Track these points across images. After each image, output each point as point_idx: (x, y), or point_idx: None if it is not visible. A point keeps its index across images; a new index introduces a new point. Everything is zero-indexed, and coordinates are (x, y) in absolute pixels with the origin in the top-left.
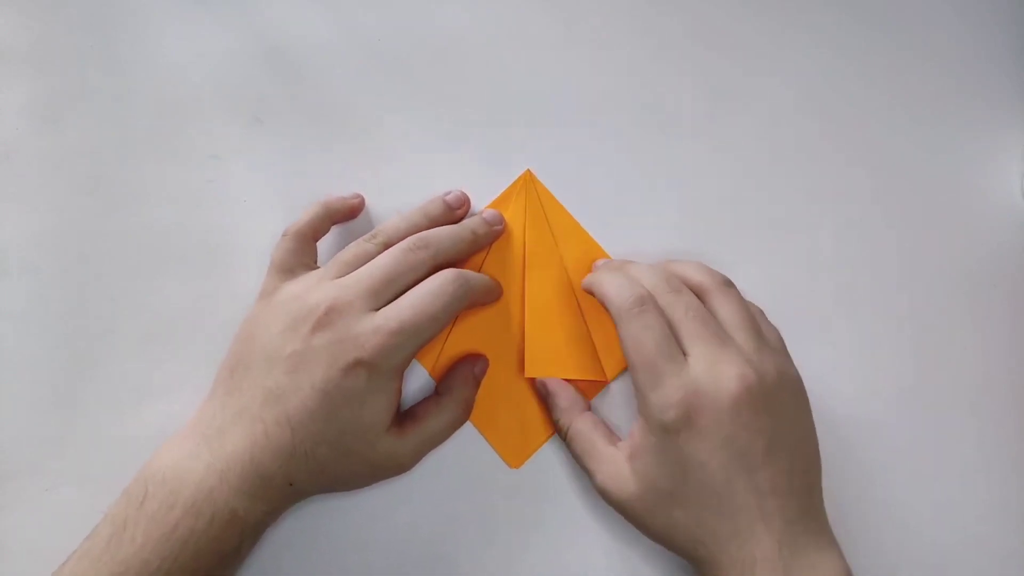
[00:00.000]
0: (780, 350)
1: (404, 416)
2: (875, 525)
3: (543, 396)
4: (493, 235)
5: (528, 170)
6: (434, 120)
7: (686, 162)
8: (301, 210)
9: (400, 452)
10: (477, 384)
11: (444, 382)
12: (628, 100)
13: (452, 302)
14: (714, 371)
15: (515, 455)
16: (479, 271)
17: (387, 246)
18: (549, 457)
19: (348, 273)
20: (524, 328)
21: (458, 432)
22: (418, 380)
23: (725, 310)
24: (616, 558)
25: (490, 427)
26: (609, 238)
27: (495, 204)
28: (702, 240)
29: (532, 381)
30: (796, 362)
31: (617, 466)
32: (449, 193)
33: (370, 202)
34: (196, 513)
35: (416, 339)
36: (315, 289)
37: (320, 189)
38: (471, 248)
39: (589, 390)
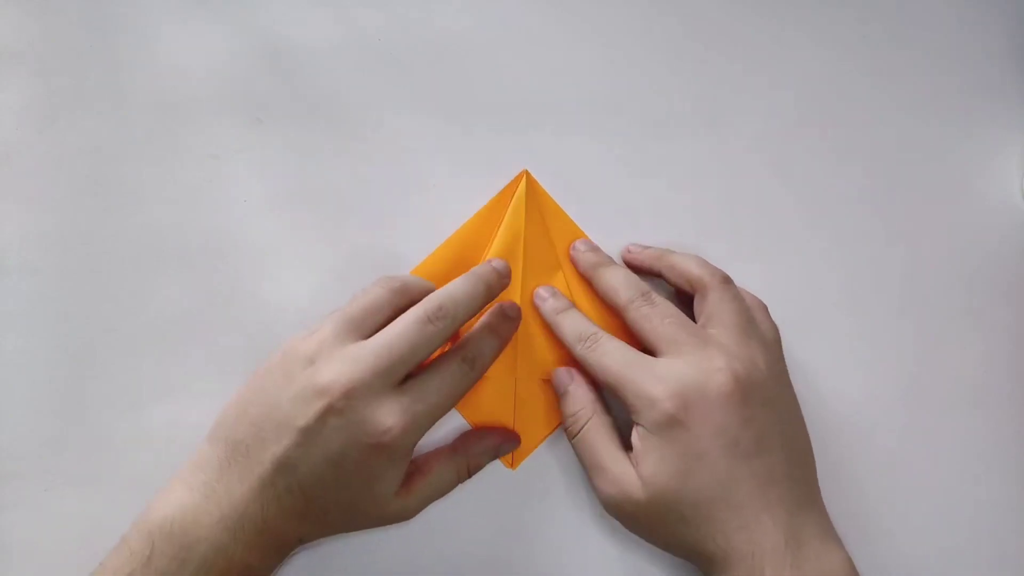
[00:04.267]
0: (771, 346)
1: (411, 470)
2: (875, 525)
3: (563, 385)
4: (504, 284)
5: (525, 170)
6: (433, 120)
7: (684, 162)
8: (300, 210)
9: (406, 507)
10: (493, 458)
11: (463, 440)
12: (626, 100)
13: (475, 378)
14: (700, 367)
15: (512, 455)
16: None
17: (401, 294)
18: (547, 457)
19: (359, 332)
20: (521, 328)
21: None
22: None
23: (719, 308)
24: (615, 558)
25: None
26: (606, 238)
27: (492, 204)
28: (701, 240)
29: (555, 369)
30: (796, 361)
31: (626, 470)
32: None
33: (369, 202)
34: (209, 569)
35: (434, 419)
36: (327, 360)
37: (320, 189)
38: (484, 304)
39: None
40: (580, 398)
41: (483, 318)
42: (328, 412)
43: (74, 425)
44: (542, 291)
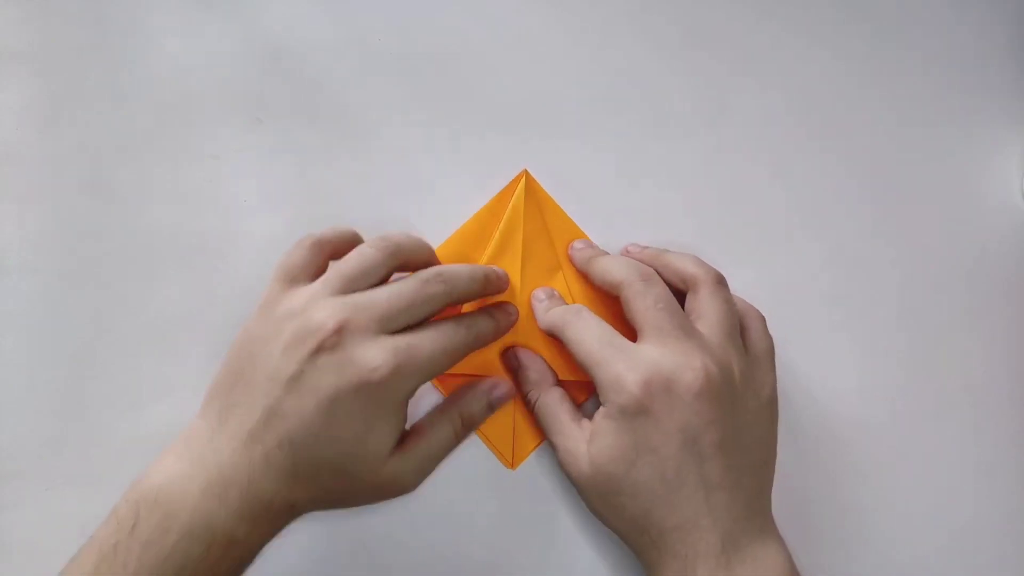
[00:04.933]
0: (760, 357)
1: (406, 433)
2: (874, 525)
3: (513, 368)
4: (502, 286)
5: (525, 170)
6: (433, 120)
7: (683, 163)
8: (300, 210)
9: (403, 471)
10: (490, 408)
11: (453, 395)
12: (625, 101)
13: (466, 347)
14: (676, 361)
15: (512, 456)
16: None
17: (395, 256)
18: (546, 458)
19: (352, 289)
20: (521, 329)
21: None
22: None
23: (708, 308)
24: (614, 558)
25: (487, 428)
26: (606, 238)
27: (492, 204)
28: (699, 241)
29: (503, 355)
30: (795, 362)
31: (576, 444)
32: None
33: (369, 202)
34: (193, 538)
35: (427, 372)
36: (321, 305)
37: (320, 189)
38: (482, 290)
39: (584, 390)
40: (528, 378)
41: (483, 307)
42: (319, 350)
43: (74, 425)
44: (539, 292)
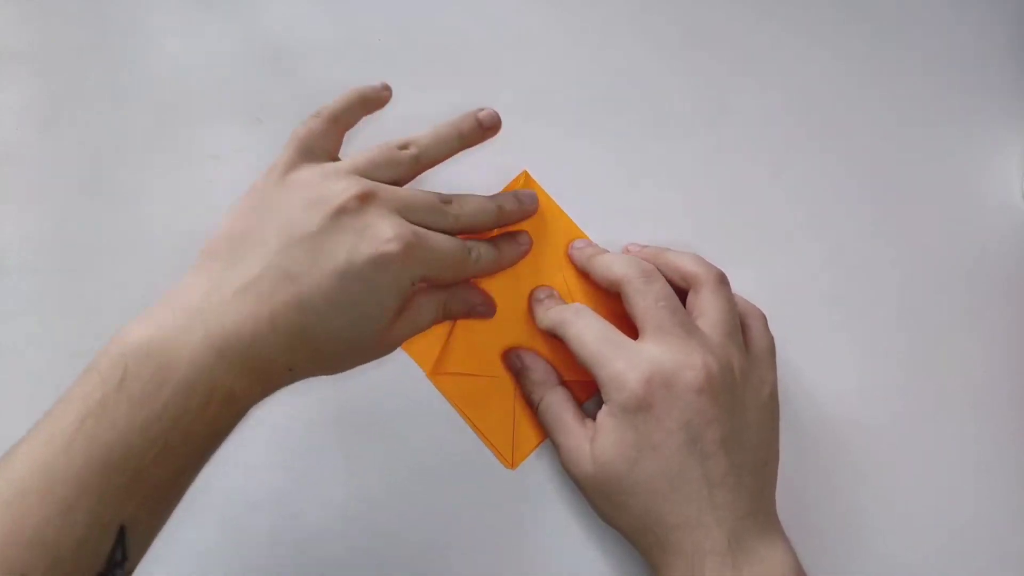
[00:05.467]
0: (761, 355)
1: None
2: (874, 525)
3: (517, 369)
4: (523, 214)
5: (525, 170)
6: (432, 120)
7: (683, 163)
8: None
9: (393, 338)
10: (467, 311)
11: (445, 287)
12: (625, 101)
13: (466, 263)
14: (676, 359)
15: (512, 456)
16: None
17: (418, 160)
18: (546, 458)
19: (374, 175)
20: (521, 329)
21: (455, 433)
22: (415, 381)
23: (709, 306)
24: (614, 558)
25: (487, 428)
26: (606, 238)
27: None
28: (699, 241)
29: (505, 355)
30: (794, 362)
31: (579, 443)
32: (482, 110)
33: None
34: (189, 392)
35: (432, 265)
36: (343, 176)
37: None
38: (495, 225)
39: (585, 390)
40: (531, 379)
41: (493, 236)
42: (341, 212)
43: None
44: (538, 292)
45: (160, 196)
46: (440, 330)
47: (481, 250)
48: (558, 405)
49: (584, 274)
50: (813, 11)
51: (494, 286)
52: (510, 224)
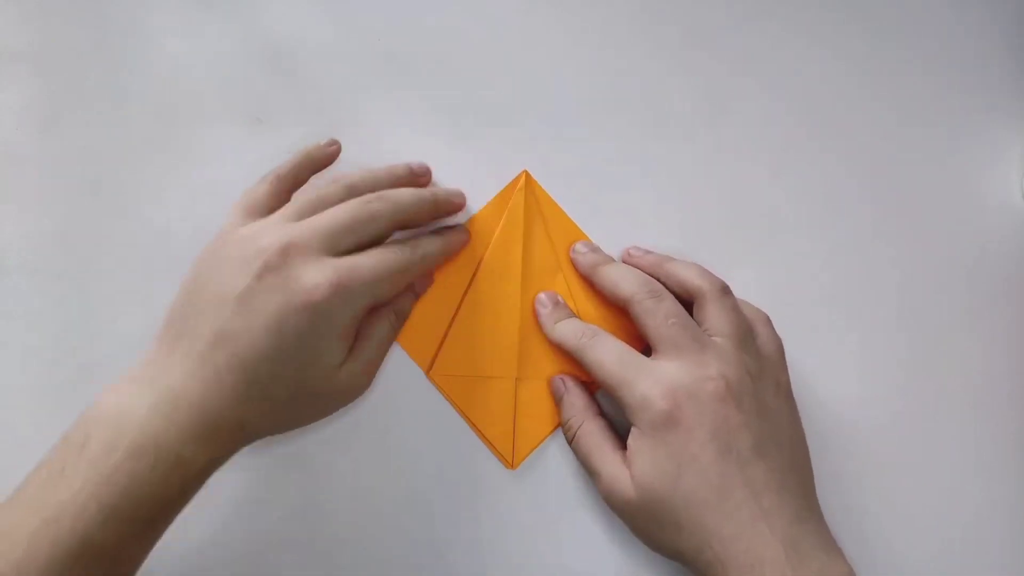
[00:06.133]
0: (772, 358)
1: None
2: (875, 526)
3: (558, 393)
4: (453, 206)
5: (525, 171)
6: (432, 120)
7: (684, 164)
8: None
9: (354, 375)
10: (415, 296)
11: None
12: (625, 102)
13: (411, 265)
14: (694, 373)
15: (512, 456)
16: (475, 271)
17: (349, 193)
18: (546, 457)
19: (315, 210)
20: (520, 329)
21: (455, 433)
22: (416, 381)
23: (717, 318)
24: (614, 558)
25: (487, 427)
26: (606, 239)
27: (492, 205)
28: (699, 242)
29: (551, 380)
30: (795, 363)
31: (619, 469)
32: (414, 162)
33: None
34: (139, 456)
35: (371, 291)
36: (271, 230)
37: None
38: (431, 211)
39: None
40: (573, 404)
41: (435, 228)
42: (265, 270)
43: None
44: (543, 298)
45: (160, 196)
46: (439, 329)
47: (423, 243)
48: (598, 433)
49: (587, 280)
50: (813, 11)
51: (494, 287)
52: (446, 216)
